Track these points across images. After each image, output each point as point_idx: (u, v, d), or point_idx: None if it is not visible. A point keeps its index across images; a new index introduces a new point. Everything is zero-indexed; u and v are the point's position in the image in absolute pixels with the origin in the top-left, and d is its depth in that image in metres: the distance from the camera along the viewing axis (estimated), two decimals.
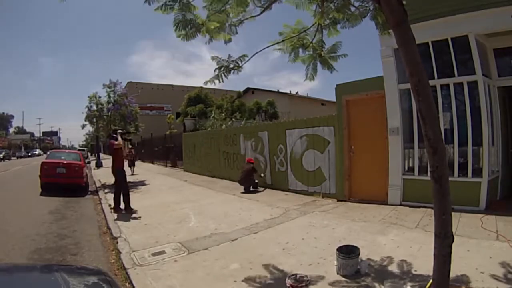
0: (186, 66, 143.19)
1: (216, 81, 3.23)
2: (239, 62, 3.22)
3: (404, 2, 1.99)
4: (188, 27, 2.90)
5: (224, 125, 15.04)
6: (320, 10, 3.21)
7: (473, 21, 4.74)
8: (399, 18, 1.91)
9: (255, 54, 3.34)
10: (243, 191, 7.94)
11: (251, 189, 8.06)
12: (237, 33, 3.23)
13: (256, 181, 8.19)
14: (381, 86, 5.68)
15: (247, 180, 8.06)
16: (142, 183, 10.49)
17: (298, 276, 2.64)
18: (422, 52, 3.94)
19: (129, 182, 10.67)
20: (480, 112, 4.82)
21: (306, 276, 2.63)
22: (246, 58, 3.25)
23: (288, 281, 2.58)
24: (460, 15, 4.80)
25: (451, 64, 5.06)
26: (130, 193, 6.28)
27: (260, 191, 7.98)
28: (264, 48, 3.51)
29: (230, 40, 3.21)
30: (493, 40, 5.19)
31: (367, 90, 5.95)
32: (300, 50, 3.63)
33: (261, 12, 3.15)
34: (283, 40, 3.50)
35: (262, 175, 8.28)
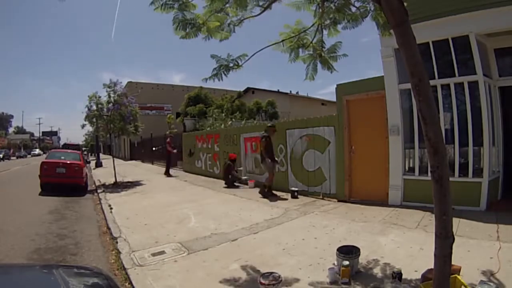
0: None
1: (215, 79, 3.21)
2: (239, 61, 3.21)
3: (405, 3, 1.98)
4: (189, 27, 2.90)
5: (223, 125, 15.01)
6: (320, 10, 3.20)
7: (473, 21, 4.73)
8: (400, 18, 1.90)
9: (255, 53, 3.32)
10: (225, 185, 8.73)
11: (234, 183, 8.77)
12: (234, 31, 3.24)
13: (240, 177, 8.98)
14: (382, 86, 5.67)
15: (226, 175, 8.88)
16: (142, 183, 10.48)
17: (272, 275, 2.65)
18: (422, 52, 3.93)
19: (128, 182, 10.78)
20: (481, 112, 4.81)
21: (280, 276, 2.64)
22: (246, 57, 3.23)
23: (260, 279, 2.61)
24: (460, 15, 4.79)
25: (451, 64, 5.05)
26: (129, 193, 6.34)
27: (243, 187, 8.57)
28: (264, 48, 3.50)
29: (227, 38, 3.22)
30: (493, 40, 5.18)
31: (368, 90, 5.94)
32: (300, 50, 3.62)
33: (261, 12, 3.14)
34: (282, 40, 3.49)
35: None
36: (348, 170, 6.20)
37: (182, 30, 2.93)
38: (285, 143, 7.61)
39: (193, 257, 3.52)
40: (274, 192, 7.03)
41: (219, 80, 3.18)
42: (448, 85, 5.12)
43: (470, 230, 3.87)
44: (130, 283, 2.98)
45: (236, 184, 8.81)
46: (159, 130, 20.78)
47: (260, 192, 7.09)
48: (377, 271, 2.95)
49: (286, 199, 6.64)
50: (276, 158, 7.27)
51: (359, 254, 2.97)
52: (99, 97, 10.46)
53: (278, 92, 27.01)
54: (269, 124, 7.83)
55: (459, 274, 2.38)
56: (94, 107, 10.40)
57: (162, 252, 3.68)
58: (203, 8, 2.95)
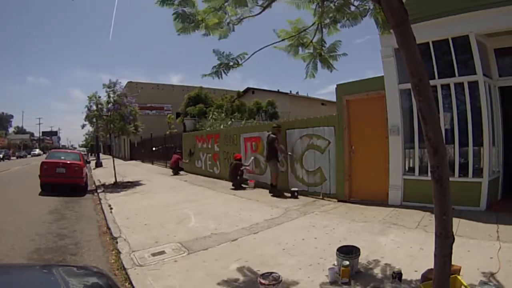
0: None
1: (215, 77, 3.20)
2: (239, 60, 3.21)
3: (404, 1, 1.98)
4: (187, 21, 2.90)
5: (223, 125, 15.00)
6: (320, 9, 3.20)
7: (473, 21, 4.73)
8: (400, 18, 1.90)
9: (254, 52, 3.32)
10: (232, 187, 8.41)
11: (242, 185, 8.50)
12: (234, 30, 3.24)
13: (245, 176, 8.70)
14: (382, 86, 5.67)
15: (233, 176, 8.58)
16: (142, 183, 10.48)
17: (272, 275, 2.66)
18: (422, 52, 3.93)
19: (128, 182, 10.78)
20: (481, 112, 4.81)
21: (279, 276, 2.65)
22: (245, 56, 3.23)
23: (260, 279, 2.62)
24: (460, 15, 4.79)
25: (451, 64, 5.05)
26: (129, 193, 6.35)
27: (248, 188, 8.33)
28: (264, 47, 3.49)
29: (226, 37, 3.22)
30: (493, 40, 5.18)
31: (368, 90, 5.94)
32: (300, 48, 3.62)
33: (261, 11, 3.13)
34: (282, 40, 3.49)
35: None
36: (348, 170, 6.20)
37: (180, 23, 2.92)
38: (285, 143, 7.60)
39: (193, 257, 3.52)
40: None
41: (218, 77, 3.17)
42: (448, 85, 5.11)
43: (470, 230, 3.87)
44: (130, 283, 2.98)
45: (243, 185, 8.50)
46: (159, 130, 20.78)
47: (270, 192, 7.27)
48: (377, 271, 2.95)
49: (286, 199, 6.64)
50: (290, 153, 7.43)
51: (359, 254, 2.97)
52: (99, 97, 10.46)
53: (278, 92, 27.03)
54: (274, 125, 7.86)
55: (459, 274, 2.38)
56: (94, 107, 10.41)
57: (162, 252, 3.68)
58: (202, 2, 2.95)
